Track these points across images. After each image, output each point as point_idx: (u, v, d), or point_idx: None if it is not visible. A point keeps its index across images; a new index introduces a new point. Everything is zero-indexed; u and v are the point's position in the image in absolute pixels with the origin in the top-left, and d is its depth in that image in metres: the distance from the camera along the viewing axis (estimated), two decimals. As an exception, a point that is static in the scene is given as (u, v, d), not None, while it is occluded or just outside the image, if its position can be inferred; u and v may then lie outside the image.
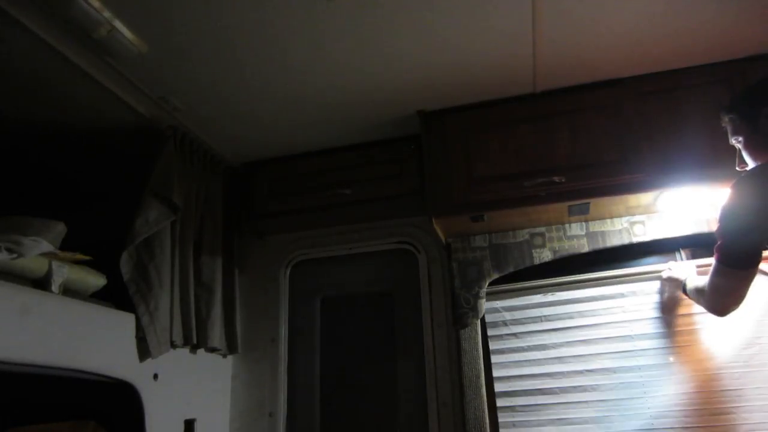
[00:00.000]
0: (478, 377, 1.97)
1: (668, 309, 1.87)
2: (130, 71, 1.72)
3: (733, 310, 1.48)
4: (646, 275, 1.93)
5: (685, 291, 1.75)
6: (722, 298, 1.47)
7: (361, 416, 2.22)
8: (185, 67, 1.72)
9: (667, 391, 1.79)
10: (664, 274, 1.87)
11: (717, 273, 1.44)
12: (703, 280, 1.56)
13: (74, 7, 1.40)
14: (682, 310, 1.85)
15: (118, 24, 1.50)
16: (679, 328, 1.84)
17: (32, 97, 1.79)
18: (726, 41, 1.72)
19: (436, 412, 2.05)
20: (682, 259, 1.95)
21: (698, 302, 1.65)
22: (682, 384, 1.79)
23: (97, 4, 1.42)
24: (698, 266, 1.80)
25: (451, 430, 2.01)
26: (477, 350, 2.00)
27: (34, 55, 1.56)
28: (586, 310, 1.95)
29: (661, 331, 1.86)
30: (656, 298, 1.90)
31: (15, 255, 1.40)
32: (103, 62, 1.65)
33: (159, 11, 1.48)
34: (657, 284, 1.91)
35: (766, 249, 1.40)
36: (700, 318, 1.82)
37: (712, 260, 1.46)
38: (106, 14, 1.46)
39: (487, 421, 1.92)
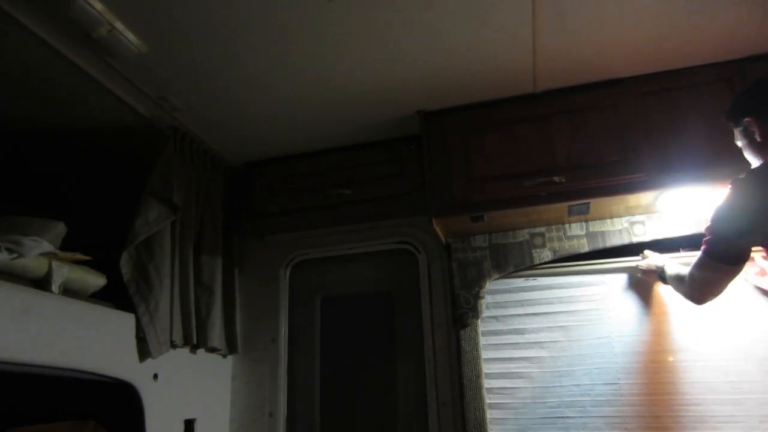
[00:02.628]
0: (478, 377, 1.97)
1: (642, 297, 1.93)
2: (130, 71, 1.72)
3: (710, 300, 1.52)
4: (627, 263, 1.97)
5: (663, 278, 1.78)
6: (703, 288, 1.51)
7: (361, 416, 2.22)
8: (185, 68, 1.72)
9: (640, 378, 1.85)
10: (641, 263, 1.90)
11: (702, 265, 1.46)
12: (684, 269, 1.58)
13: (74, 7, 1.40)
14: (655, 300, 1.91)
15: (118, 24, 1.50)
16: (654, 317, 1.90)
17: (32, 97, 1.79)
18: (726, 41, 1.72)
19: (436, 412, 2.05)
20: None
21: (677, 289, 1.67)
22: (655, 373, 1.84)
23: (97, 4, 1.43)
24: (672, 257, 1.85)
25: (451, 430, 2.01)
26: (477, 350, 2.00)
27: (34, 55, 1.56)
28: (566, 296, 2.00)
29: (638, 319, 1.91)
30: (627, 288, 1.96)
31: (15, 255, 1.40)
32: (103, 62, 1.65)
33: (159, 11, 1.48)
34: (627, 277, 1.97)
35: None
36: (674, 308, 1.89)
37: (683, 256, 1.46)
38: (106, 14, 1.46)
39: (487, 420, 1.92)
